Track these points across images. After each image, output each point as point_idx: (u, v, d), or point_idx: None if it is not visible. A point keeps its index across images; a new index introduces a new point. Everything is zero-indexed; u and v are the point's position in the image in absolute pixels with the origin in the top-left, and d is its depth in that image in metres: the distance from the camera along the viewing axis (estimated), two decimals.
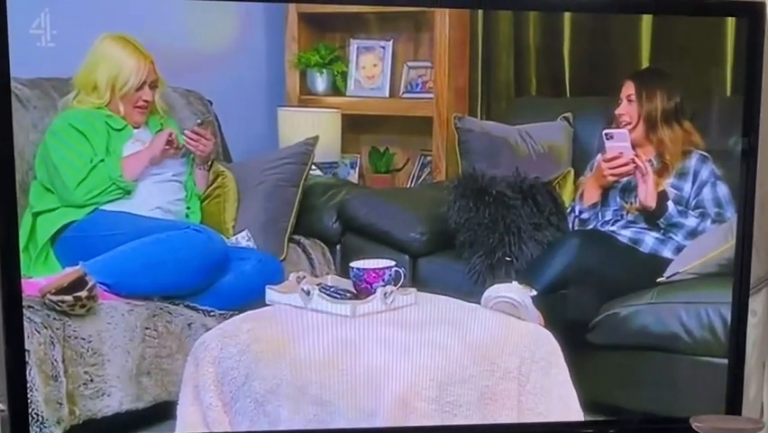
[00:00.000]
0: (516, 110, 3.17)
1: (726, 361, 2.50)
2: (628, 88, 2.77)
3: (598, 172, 2.81)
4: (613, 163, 2.76)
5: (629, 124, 2.77)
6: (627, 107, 2.78)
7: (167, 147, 2.68)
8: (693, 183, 2.75)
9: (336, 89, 3.21)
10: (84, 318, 2.42)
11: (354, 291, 2.58)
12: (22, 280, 2.27)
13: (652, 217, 2.74)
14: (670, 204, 2.72)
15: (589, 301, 2.68)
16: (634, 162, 2.73)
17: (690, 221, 2.73)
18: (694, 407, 2.39)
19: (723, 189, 2.72)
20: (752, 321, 2.54)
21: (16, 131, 2.21)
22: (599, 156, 2.81)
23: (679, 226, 2.73)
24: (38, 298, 2.38)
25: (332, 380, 2.34)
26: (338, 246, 2.94)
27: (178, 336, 2.56)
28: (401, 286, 2.57)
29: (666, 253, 2.74)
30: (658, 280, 2.70)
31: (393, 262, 2.60)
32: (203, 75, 2.86)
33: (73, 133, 2.60)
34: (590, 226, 2.83)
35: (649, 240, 2.75)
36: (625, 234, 2.77)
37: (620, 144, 2.74)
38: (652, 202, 2.72)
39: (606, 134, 2.76)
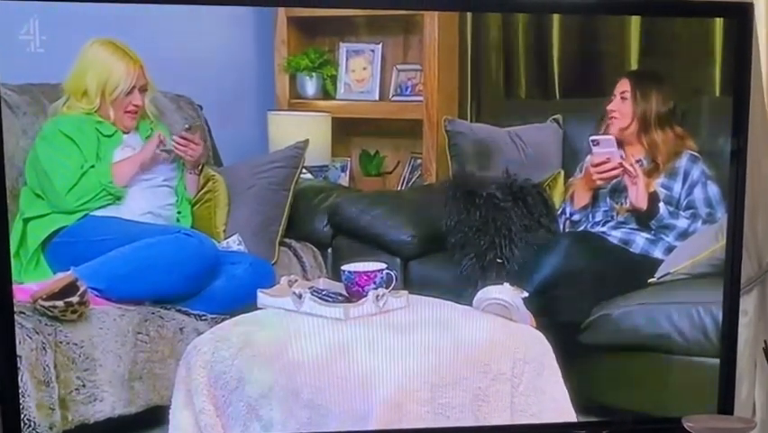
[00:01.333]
0: (505, 112, 3.18)
1: (717, 361, 2.50)
2: (623, 86, 2.78)
3: (587, 176, 2.82)
4: (600, 168, 2.76)
5: (618, 119, 2.78)
6: (620, 105, 2.78)
7: (158, 151, 2.68)
8: (684, 183, 2.75)
9: (326, 93, 3.21)
10: (75, 324, 2.41)
11: (346, 294, 2.58)
12: (14, 286, 2.26)
13: (643, 219, 2.74)
14: (661, 205, 2.72)
15: (580, 302, 2.68)
16: (622, 166, 2.74)
17: (682, 222, 2.73)
18: (686, 407, 2.39)
19: (714, 189, 2.72)
20: (743, 321, 2.54)
21: (6, 137, 2.19)
22: (589, 158, 2.81)
23: (670, 228, 2.73)
24: (29, 303, 2.38)
25: (324, 383, 2.33)
26: (329, 249, 2.94)
27: (169, 341, 2.56)
28: (393, 289, 2.56)
29: (657, 253, 2.74)
30: (649, 280, 2.71)
31: (384, 265, 2.60)
32: (193, 79, 2.86)
33: (63, 139, 2.59)
34: (581, 228, 2.84)
35: (640, 240, 2.75)
36: (615, 235, 2.77)
37: (607, 150, 2.74)
38: (643, 204, 2.72)
39: (592, 141, 2.76)
